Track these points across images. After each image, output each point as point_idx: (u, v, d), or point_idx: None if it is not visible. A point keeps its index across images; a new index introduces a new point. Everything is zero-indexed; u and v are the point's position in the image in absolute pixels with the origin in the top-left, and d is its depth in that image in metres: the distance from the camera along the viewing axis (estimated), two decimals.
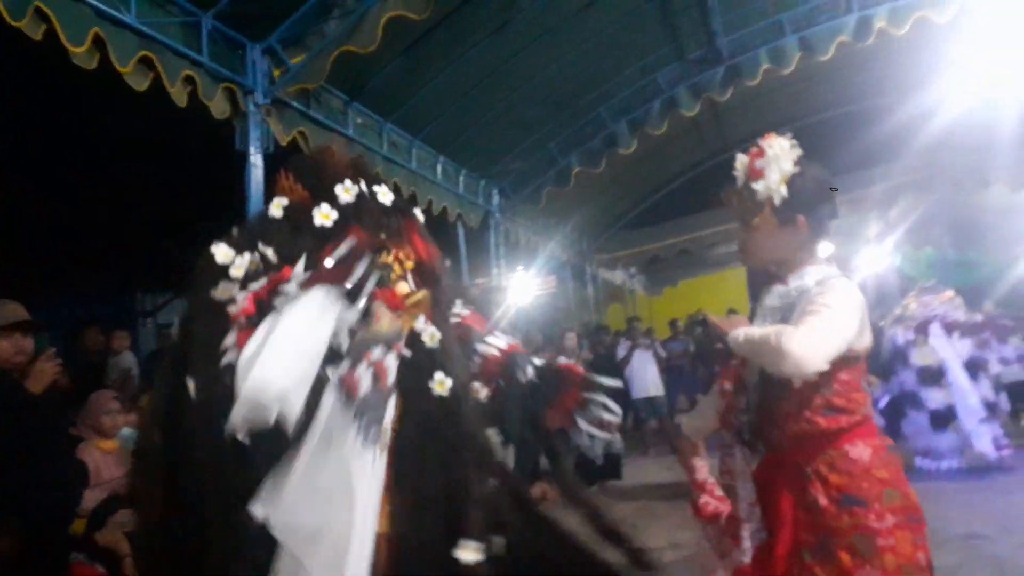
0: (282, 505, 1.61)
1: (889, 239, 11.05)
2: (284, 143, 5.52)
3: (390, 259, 1.97)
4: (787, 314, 2.05)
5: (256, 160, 5.27)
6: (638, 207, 13.63)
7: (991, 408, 6.94)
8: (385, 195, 2.00)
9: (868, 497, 1.96)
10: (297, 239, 1.86)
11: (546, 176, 9.31)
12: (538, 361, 2.15)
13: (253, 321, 1.69)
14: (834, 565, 1.95)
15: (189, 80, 4.73)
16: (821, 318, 1.92)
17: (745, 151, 2.23)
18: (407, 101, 7.11)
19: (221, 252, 1.79)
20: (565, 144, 9.13)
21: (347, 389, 1.64)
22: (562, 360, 8.90)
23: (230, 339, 1.67)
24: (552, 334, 11.20)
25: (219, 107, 5.00)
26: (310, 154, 2.19)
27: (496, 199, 9.38)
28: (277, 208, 1.93)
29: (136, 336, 10.81)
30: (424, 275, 1.98)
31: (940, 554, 2.21)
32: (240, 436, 1.62)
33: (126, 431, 4.77)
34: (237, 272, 1.78)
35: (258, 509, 1.60)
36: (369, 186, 1.98)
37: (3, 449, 3.02)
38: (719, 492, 2.29)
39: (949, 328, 7.01)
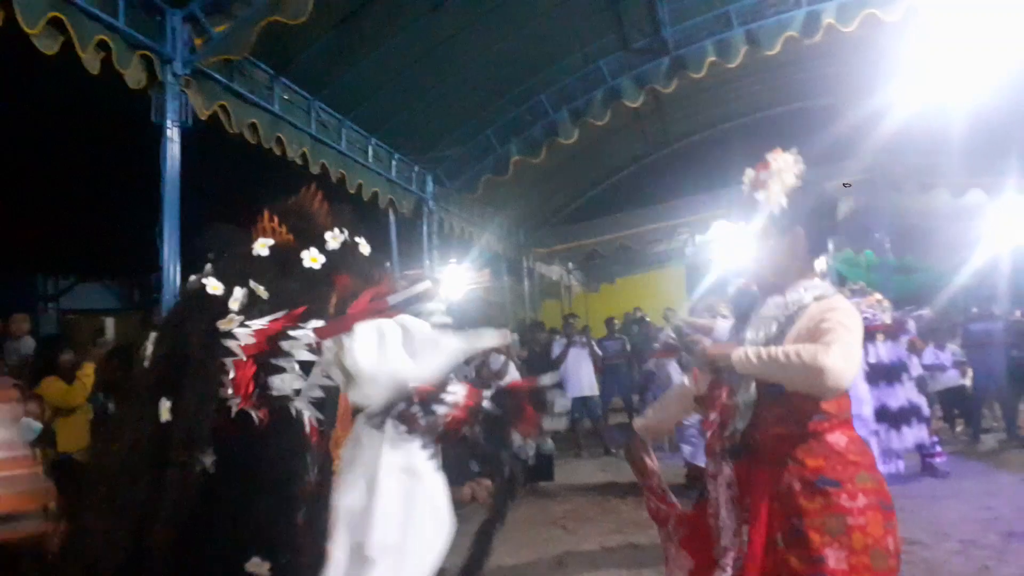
0: (374, 527, 1.81)
1: (829, 241, 11.38)
2: (204, 117, 5.42)
3: None
4: (785, 326, 2.26)
5: (173, 134, 5.17)
6: (578, 200, 13.78)
7: (915, 412, 7.27)
8: (365, 247, 2.16)
9: (841, 478, 2.16)
10: (284, 280, 1.98)
11: (483, 163, 9.34)
12: (489, 393, 2.26)
13: (260, 360, 1.78)
14: (804, 547, 2.11)
15: (103, 45, 4.61)
16: (846, 337, 2.13)
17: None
18: (338, 79, 7.06)
19: (212, 284, 1.87)
20: (504, 131, 9.18)
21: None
22: (497, 359, 8.79)
23: (230, 371, 1.75)
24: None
25: (134, 76, 4.89)
26: (294, 199, 2.25)
27: (430, 186, 9.37)
28: (263, 247, 2.04)
29: (37, 321, 10.50)
30: None
31: None
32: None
33: (26, 422, 4.69)
34: (235, 305, 1.86)
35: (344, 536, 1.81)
36: (351, 236, 2.13)
37: None
38: (668, 496, 2.49)
39: (870, 333, 7.29)
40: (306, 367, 1.82)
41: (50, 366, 5.63)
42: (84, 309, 14.21)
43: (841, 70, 9.97)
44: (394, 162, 8.60)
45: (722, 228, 13.46)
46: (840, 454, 2.20)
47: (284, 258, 2.04)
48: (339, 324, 1.92)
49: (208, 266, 2.05)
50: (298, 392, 1.82)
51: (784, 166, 2.33)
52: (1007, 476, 7.31)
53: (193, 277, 2.03)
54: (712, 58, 8.19)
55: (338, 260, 2.07)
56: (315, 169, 6.95)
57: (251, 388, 1.78)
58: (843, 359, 2.07)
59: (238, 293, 1.89)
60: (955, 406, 9.50)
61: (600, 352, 11.45)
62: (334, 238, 2.09)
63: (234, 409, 1.77)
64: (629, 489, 8.62)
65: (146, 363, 1.92)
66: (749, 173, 2.42)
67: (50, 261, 12.19)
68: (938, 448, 7.41)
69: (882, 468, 7.43)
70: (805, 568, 2.10)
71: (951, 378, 9.52)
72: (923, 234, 14.85)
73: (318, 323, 1.89)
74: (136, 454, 1.76)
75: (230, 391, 1.75)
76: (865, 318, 6.67)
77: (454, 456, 2.12)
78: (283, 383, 1.79)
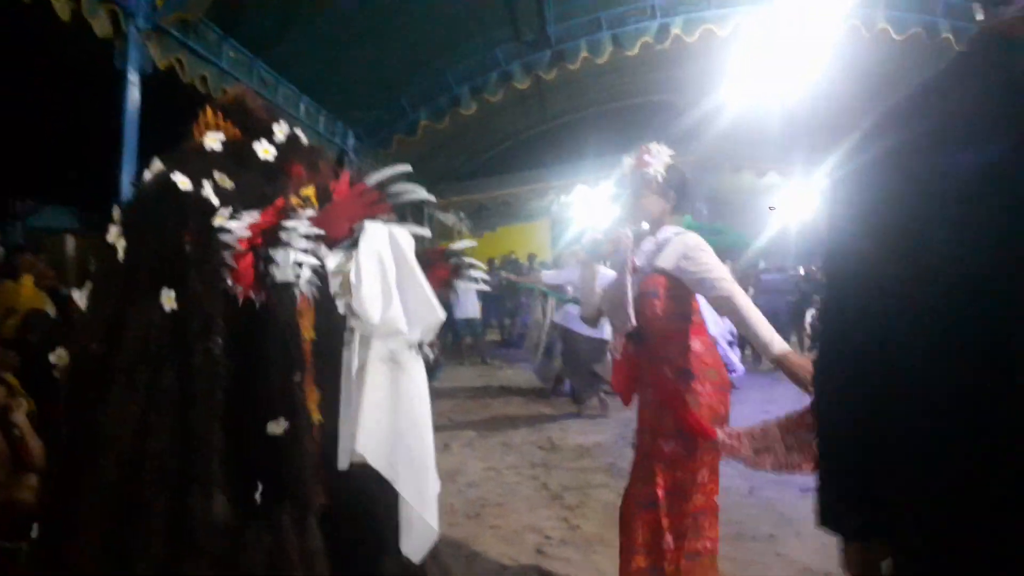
0: (374, 436, 1.65)
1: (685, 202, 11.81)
2: (162, 67, 5.14)
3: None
4: (655, 255, 2.68)
5: (134, 79, 4.89)
6: (472, 162, 13.70)
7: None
8: (304, 138, 1.97)
9: (697, 373, 2.63)
10: (243, 171, 1.78)
11: (397, 125, 9.15)
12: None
13: (262, 253, 1.60)
14: (670, 413, 2.56)
15: None
16: (719, 270, 2.58)
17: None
18: (278, 43, 6.76)
19: (180, 179, 1.65)
20: (415, 100, 9.02)
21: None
22: None
23: (228, 263, 1.57)
24: None
25: (101, 26, 4.57)
26: (232, 96, 2.00)
27: (352, 141, 9.13)
28: (214, 141, 1.81)
29: (6, 237, 9.80)
30: (324, 200, 1.98)
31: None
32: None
33: None
34: (214, 200, 1.65)
35: (354, 449, 1.64)
36: (291, 127, 1.94)
37: None
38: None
39: None
40: (304, 253, 1.61)
41: (11, 270, 5.29)
42: (48, 228, 13.29)
43: (685, 73, 10.25)
44: (321, 118, 8.36)
45: (582, 192, 13.81)
46: (698, 356, 2.64)
47: (238, 151, 1.83)
48: (334, 219, 1.69)
49: (156, 161, 1.81)
50: (298, 278, 1.62)
51: (660, 151, 2.74)
52: (781, 388, 7.93)
53: (148, 172, 1.79)
54: (585, 54, 8.27)
55: (288, 151, 1.88)
56: None
57: (251, 277, 1.60)
58: (729, 279, 2.56)
59: (207, 185, 1.66)
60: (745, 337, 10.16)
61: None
62: (280, 130, 1.90)
63: (240, 298, 1.60)
64: (499, 392, 8.91)
65: (120, 257, 1.68)
66: (628, 159, 2.77)
67: (18, 184, 11.28)
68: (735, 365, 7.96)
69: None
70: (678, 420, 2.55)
71: None
72: (732, 206, 15.64)
73: (310, 213, 1.70)
74: (152, 343, 1.57)
75: (230, 282, 1.58)
76: None
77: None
78: (283, 271, 1.60)
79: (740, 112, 10.30)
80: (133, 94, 4.92)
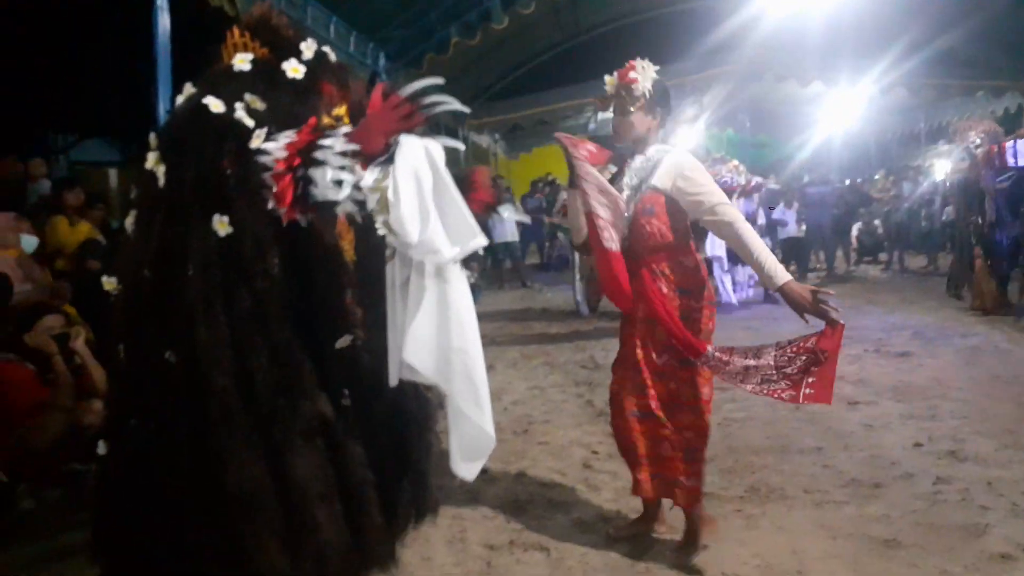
0: (425, 347, 1.65)
1: (701, 121, 11.53)
2: None
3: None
4: (649, 173, 2.60)
5: (163, 3, 4.82)
6: (505, 79, 13.36)
7: None
8: (333, 55, 1.91)
9: (692, 289, 2.61)
10: (274, 91, 1.73)
11: (428, 44, 8.91)
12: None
13: (299, 173, 1.56)
14: (662, 327, 2.55)
15: None
16: (718, 193, 2.54)
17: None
18: None
19: (213, 103, 1.62)
20: (445, 16, 8.77)
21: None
22: None
23: (269, 184, 1.56)
24: None
25: None
26: (257, 14, 1.92)
27: (383, 61, 8.95)
28: (243, 62, 1.76)
29: (51, 168, 10.04)
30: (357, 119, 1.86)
31: None
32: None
33: (25, 237, 4.50)
34: (249, 122, 1.62)
35: (404, 361, 1.63)
36: (319, 45, 1.88)
37: None
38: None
39: (728, 192, 7.53)
40: (342, 171, 1.57)
41: (60, 204, 5.37)
42: (90, 161, 13.46)
43: None
44: (352, 38, 8.16)
45: None
46: (692, 272, 2.62)
47: (267, 71, 1.77)
48: (369, 134, 1.61)
49: (188, 86, 1.78)
50: (337, 196, 1.57)
51: (646, 67, 2.64)
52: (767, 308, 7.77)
53: (180, 97, 1.77)
54: None
55: (317, 69, 1.83)
56: None
57: (290, 198, 1.57)
58: (727, 203, 2.52)
59: (239, 108, 1.63)
60: (791, 251, 10.02)
61: (521, 206, 11.51)
62: (308, 48, 1.83)
63: (284, 219, 1.59)
64: (541, 314, 8.94)
65: (161, 183, 1.67)
66: (610, 77, 2.67)
67: (60, 119, 11.47)
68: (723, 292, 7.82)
69: (737, 295, 7.99)
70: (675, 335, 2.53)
71: (791, 230, 9.97)
72: (775, 117, 15.09)
73: (345, 129, 1.64)
74: (217, 270, 1.58)
75: (272, 204, 1.57)
76: (724, 181, 6.87)
77: None
78: (322, 190, 1.56)
79: (783, 19, 9.80)
80: (164, 20, 4.85)
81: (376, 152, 1.62)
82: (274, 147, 1.58)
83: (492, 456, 1.89)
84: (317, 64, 1.84)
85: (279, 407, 1.60)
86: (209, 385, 1.56)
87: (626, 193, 2.61)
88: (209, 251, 1.59)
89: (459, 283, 1.72)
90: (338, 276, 1.77)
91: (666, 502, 2.71)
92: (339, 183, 1.57)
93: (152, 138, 1.75)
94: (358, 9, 7.75)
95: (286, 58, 1.80)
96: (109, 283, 1.79)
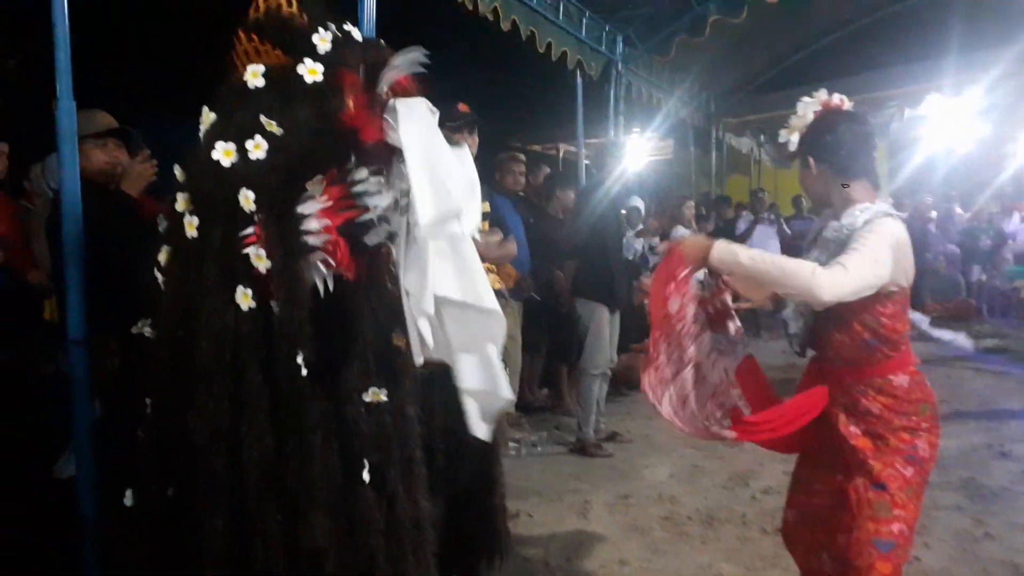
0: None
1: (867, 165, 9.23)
2: None
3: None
4: (838, 248, 2.33)
5: None
6: (776, 67, 12.15)
7: None
8: (355, 31, 1.91)
9: (908, 412, 2.41)
10: (291, 107, 1.76)
11: (678, 23, 8.13)
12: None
13: (352, 232, 1.71)
14: (885, 443, 2.37)
15: None
16: (855, 256, 2.21)
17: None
18: None
19: (222, 152, 1.71)
20: None
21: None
22: (679, 230, 7.81)
23: (324, 251, 1.70)
24: (665, 202, 10.00)
25: None
26: (264, 12, 1.92)
27: (620, 47, 8.44)
28: (256, 77, 1.79)
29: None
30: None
31: None
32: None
33: None
34: (264, 175, 1.73)
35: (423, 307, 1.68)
36: (338, 26, 1.87)
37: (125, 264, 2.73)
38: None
39: None
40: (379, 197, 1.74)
41: None
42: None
43: None
44: (585, 21, 7.63)
45: (936, 103, 11.13)
46: (906, 394, 2.38)
47: (283, 82, 1.79)
48: (365, 123, 1.71)
49: (205, 109, 1.85)
50: (387, 233, 1.77)
51: (807, 105, 2.45)
52: None
53: (201, 125, 1.84)
54: None
55: (337, 61, 1.79)
56: (505, 26, 6.24)
57: (348, 256, 1.70)
58: (840, 275, 2.17)
59: (251, 147, 1.69)
60: None
61: (788, 231, 9.98)
62: (322, 39, 1.80)
63: (330, 283, 1.72)
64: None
65: (191, 236, 1.74)
66: (813, 104, 2.49)
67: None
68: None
69: None
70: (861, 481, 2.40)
71: None
72: None
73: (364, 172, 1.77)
74: (228, 349, 1.65)
75: (325, 270, 1.69)
76: None
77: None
78: (374, 235, 1.75)
79: None
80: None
81: (376, 138, 1.71)
82: (315, 226, 1.66)
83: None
84: (335, 56, 1.83)
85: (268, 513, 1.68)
86: (202, 465, 1.67)
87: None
88: (223, 329, 1.67)
89: (468, 248, 1.78)
90: (384, 318, 1.86)
91: None
92: (384, 220, 1.74)
93: (177, 171, 1.85)
94: None
95: (301, 59, 1.80)
96: (146, 331, 1.93)
